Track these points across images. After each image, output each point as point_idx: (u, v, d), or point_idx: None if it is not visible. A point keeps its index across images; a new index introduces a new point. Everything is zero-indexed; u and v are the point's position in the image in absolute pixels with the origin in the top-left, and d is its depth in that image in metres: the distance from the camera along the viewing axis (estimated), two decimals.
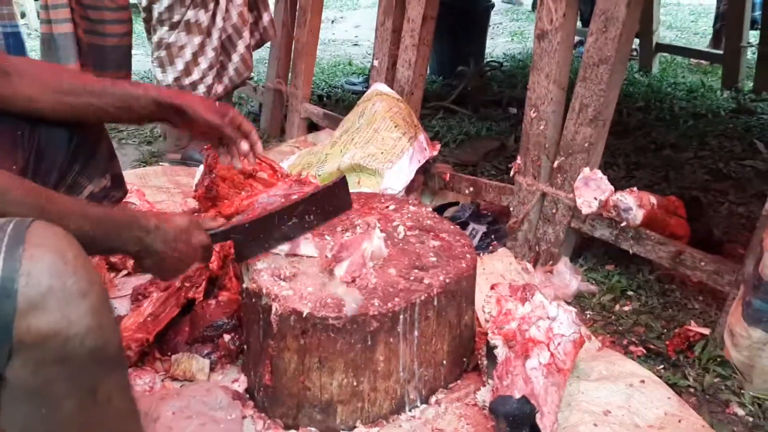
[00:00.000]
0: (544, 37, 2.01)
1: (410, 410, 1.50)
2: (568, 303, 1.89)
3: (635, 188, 1.90)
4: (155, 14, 2.77)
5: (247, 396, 1.56)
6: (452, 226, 1.73)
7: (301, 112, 3.23)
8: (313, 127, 3.32)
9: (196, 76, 2.86)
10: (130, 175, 2.70)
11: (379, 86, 2.56)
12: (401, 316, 1.39)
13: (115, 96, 1.38)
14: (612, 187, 1.88)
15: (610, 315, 1.85)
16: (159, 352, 1.67)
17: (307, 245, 1.52)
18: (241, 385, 1.58)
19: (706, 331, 1.69)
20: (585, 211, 1.88)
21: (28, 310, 0.79)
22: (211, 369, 1.65)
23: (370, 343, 1.38)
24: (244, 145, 1.48)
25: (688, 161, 3.09)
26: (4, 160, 1.41)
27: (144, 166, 3.05)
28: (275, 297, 1.38)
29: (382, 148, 2.21)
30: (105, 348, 0.85)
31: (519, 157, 2.14)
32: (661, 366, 1.64)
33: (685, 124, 3.53)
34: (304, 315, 1.34)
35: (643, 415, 1.44)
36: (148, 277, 1.93)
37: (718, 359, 1.59)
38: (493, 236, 2.30)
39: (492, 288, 1.63)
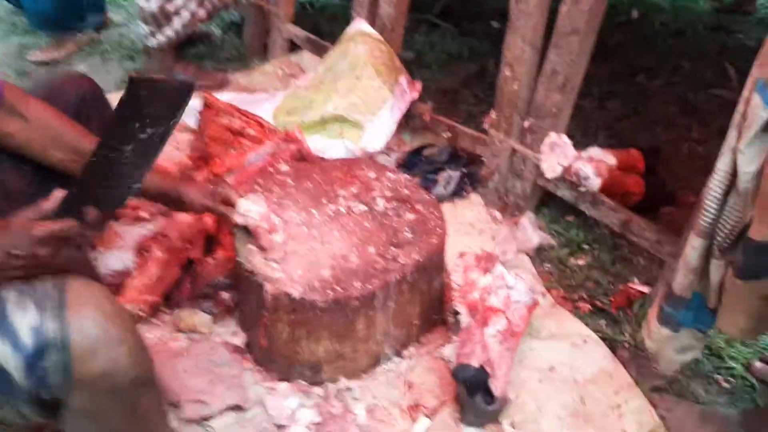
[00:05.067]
0: None
1: (385, 364, 1.76)
2: (529, 256, 2.12)
3: (597, 153, 2.06)
4: None
5: (246, 349, 1.80)
6: (427, 196, 1.90)
7: (284, 32, 3.24)
8: (295, 45, 3.35)
9: (179, 1, 2.86)
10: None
11: (362, 25, 2.60)
12: (379, 294, 1.61)
13: None
14: (575, 153, 2.03)
15: (565, 268, 2.08)
16: (165, 307, 1.89)
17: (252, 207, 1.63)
18: (239, 339, 1.82)
19: (646, 289, 1.94)
20: (549, 175, 2.05)
21: (82, 358, 1.00)
22: (213, 322, 1.88)
23: (351, 317, 1.60)
24: (237, 219, 1.61)
25: (660, 89, 3.20)
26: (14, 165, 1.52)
27: None
28: (268, 279, 1.58)
29: (364, 99, 2.32)
30: (142, 376, 1.09)
31: (493, 111, 2.27)
32: (603, 322, 1.89)
33: (664, 43, 3.60)
34: (294, 297, 1.55)
35: (582, 372, 1.72)
36: (150, 228, 2.12)
37: None
38: (467, 180, 2.48)
39: (460, 257, 1.84)
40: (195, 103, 2.31)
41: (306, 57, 3.25)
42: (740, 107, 1.17)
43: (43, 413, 1.09)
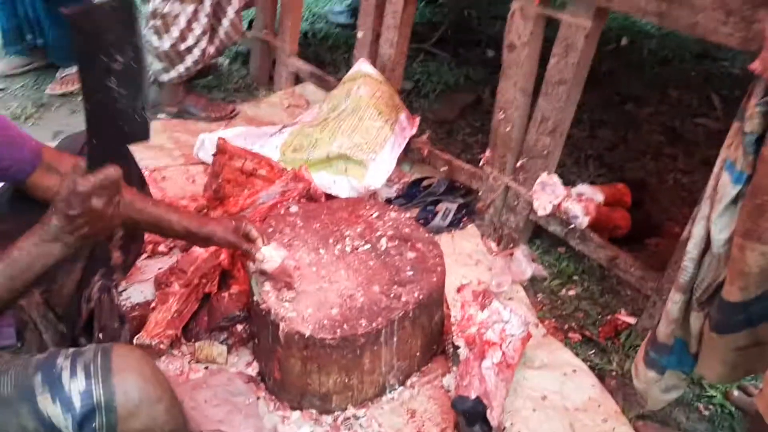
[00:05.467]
0: (512, 49, 2.21)
1: (390, 393, 1.90)
2: (523, 286, 2.27)
3: (585, 190, 2.21)
4: None
5: (260, 378, 1.94)
6: (426, 235, 2.04)
7: (289, 66, 3.39)
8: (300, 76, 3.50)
9: (190, 41, 3.01)
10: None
11: (364, 66, 2.75)
12: (383, 331, 1.75)
13: (151, 216, 1.61)
14: (564, 192, 2.18)
15: (556, 299, 2.23)
16: (183, 338, 2.03)
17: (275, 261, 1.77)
18: (253, 369, 1.96)
19: (632, 320, 2.08)
20: (540, 213, 2.20)
21: (126, 417, 1.15)
22: (228, 352, 2.02)
23: (358, 353, 1.75)
24: (259, 255, 1.74)
25: (648, 117, 3.35)
26: None
27: None
28: (282, 318, 1.72)
29: (367, 138, 2.47)
30: (176, 428, 1.22)
31: (488, 150, 2.42)
32: (592, 351, 2.04)
33: (652, 70, 3.75)
34: (306, 336, 1.69)
35: (572, 400, 1.86)
36: (167, 262, 2.26)
37: (638, 347, 1.99)
38: (464, 211, 2.62)
39: (458, 291, 1.99)
40: (211, 145, 2.47)
41: (310, 89, 3.41)
42: (711, 182, 1.31)
43: None
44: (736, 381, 1.85)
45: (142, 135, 1.33)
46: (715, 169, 1.31)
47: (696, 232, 1.34)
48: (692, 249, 1.34)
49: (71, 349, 1.21)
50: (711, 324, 1.35)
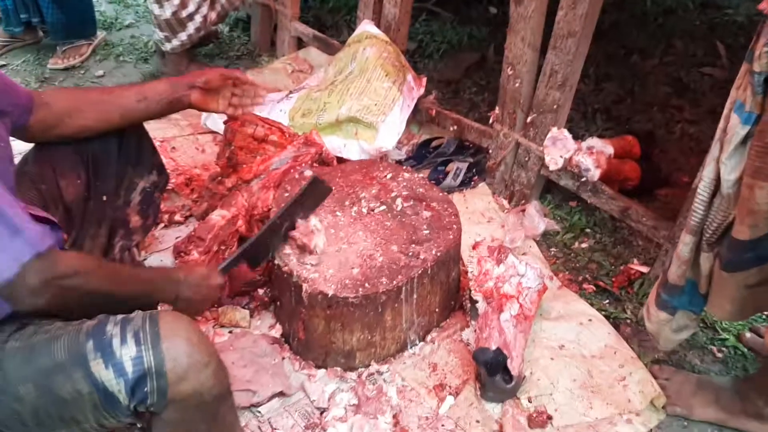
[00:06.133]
0: (519, 2, 2.20)
1: (411, 348, 1.95)
2: (536, 241, 2.30)
3: (596, 143, 2.22)
4: None
5: (283, 340, 1.99)
6: (440, 194, 2.07)
7: (291, 30, 3.38)
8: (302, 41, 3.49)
9: (191, 8, 3.00)
10: None
11: (368, 27, 2.74)
12: (404, 288, 1.79)
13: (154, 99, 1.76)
14: (575, 146, 2.19)
15: (570, 252, 2.26)
16: None
17: (318, 237, 1.85)
18: (277, 331, 2.01)
19: (645, 269, 2.12)
20: (552, 167, 2.22)
21: (176, 382, 1.19)
22: (250, 316, 2.07)
23: (380, 310, 1.79)
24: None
25: (653, 69, 3.35)
26: (72, 178, 1.73)
27: None
28: (305, 279, 1.76)
29: (375, 100, 2.47)
30: (222, 391, 1.29)
31: (497, 107, 2.42)
32: (607, 301, 2.08)
33: (655, 22, 3.73)
34: (329, 295, 1.73)
35: (588, 348, 1.91)
36: (185, 231, 2.30)
37: None
38: (474, 170, 2.64)
39: (474, 248, 2.02)
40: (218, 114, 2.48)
41: (313, 52, 3.40)
42: (721, 124, 1.33)
43: (138, 420, 1.29)
44: (745, 319, 1.88)
45: (259, 264, 1.84)
46: (725, 111, 1.33)
47: (706, 174, 1.36)
48: (702, 191, 1.37)
49: (119, 316, 1.25)
50: (721, 263, 1.38)
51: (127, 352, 1.18)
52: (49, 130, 1.62)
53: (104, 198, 1.78)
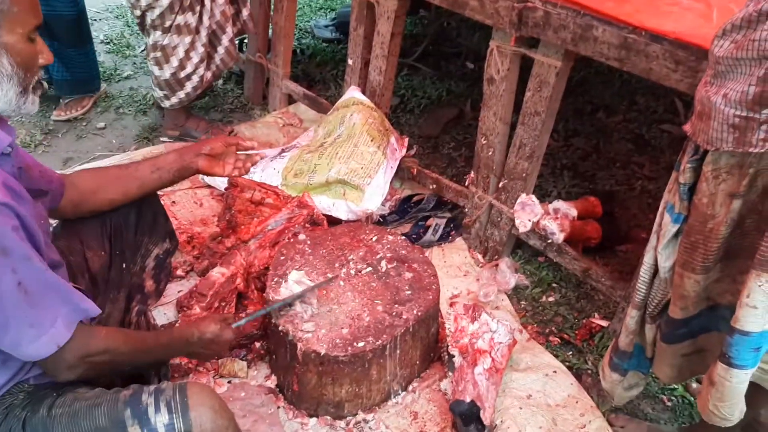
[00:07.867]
0: (492, 82, 2.46)
1: (394, 398, 2.16)
2: (508, 295, 2.53)
3: (560, 206, 2.46)
4: (148, 21, 3.06)
5: (278, 390, 2.19)
6: (421, 255, 2.29)
7: (283, 87, 3.61)
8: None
9: (189, 69, 3.21)
10: (138, 156, 3.16)
11: (355, 93, 2.99)
12: (388, 346, 2.01)
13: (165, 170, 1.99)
14: (542, 211, 2.44)
15: (538, 305, 2.50)
16: None
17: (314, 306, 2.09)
18: (272, 382, 2.21)
19: (605, 323, 2.36)
20: (521, 230, 2.46)
21: None
22: (248, 367, 2.27)
23: (367, 366, 2.00)
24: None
25: (617, 126, 3.62)
26: (97, 249, 1.93)
27: (147, 143, 3.45)
28: (299, 339, 1.97)
29: (362, 163, 2.71)
30: None
31: (473, 171, 2.67)
32: (570, 352, 2.31)
33: (620, 78, 4.02)
34: (321, 354, 1.94)
35: (553, 397, 2.13)
36: (186, 285, 2.50)
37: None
38: (452, 225, 2.88)
39: (450, 305, 2.25)
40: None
41: (302, 107, 3.64)
42: (658, 219, 1.57)
43: None
44: (683, 381, 2.13)
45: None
46: (660, 209, 1.57)
47: (647, 260, 1.60)
48: (644, 273, 1.61)
49: (152, 387, 1.48)
50: (660, 335, 1.62)
51: (160, 420, 1.39)
52: (78, 207, 1.84)
53: (123, 265, 1.99)
